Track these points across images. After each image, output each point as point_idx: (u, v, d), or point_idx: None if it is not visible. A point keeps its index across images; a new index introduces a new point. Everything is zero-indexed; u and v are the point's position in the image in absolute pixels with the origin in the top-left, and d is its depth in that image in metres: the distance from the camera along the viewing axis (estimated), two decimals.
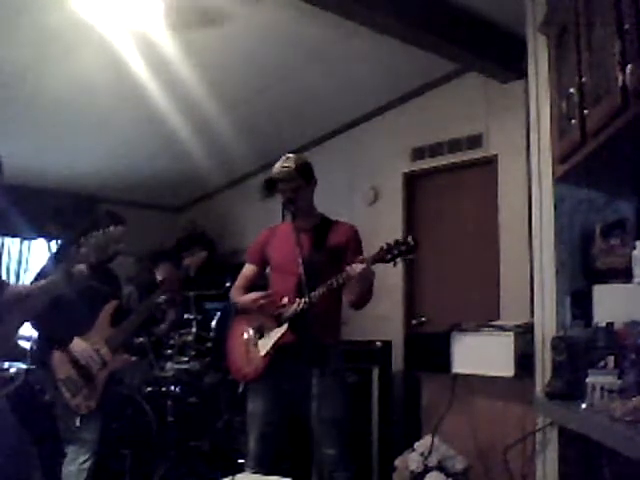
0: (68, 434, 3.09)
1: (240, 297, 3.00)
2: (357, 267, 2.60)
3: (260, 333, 2.86)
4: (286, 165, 2.84)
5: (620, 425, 1.65)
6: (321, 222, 2.96)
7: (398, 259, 2.60)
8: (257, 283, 3.07)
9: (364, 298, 2.82)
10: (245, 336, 2.91)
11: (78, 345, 3.13)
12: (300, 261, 2.59)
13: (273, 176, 2.87)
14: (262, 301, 2.82)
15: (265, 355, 2.80)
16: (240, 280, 3.07)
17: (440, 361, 3.47)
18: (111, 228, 3.25)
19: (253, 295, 2.88)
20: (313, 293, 2.63)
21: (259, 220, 3.13)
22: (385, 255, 2.58)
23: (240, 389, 4.27)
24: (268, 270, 3.09)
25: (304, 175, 2.86)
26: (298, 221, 2.82)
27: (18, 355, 4.05)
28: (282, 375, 2.78)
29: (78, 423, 3.03)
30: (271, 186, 2.86)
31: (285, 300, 2.78)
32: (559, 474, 2.50)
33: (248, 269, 3.06)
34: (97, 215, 3.39)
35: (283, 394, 2.80)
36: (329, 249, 2.85)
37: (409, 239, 2.60)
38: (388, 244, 2.60)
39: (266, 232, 3.07)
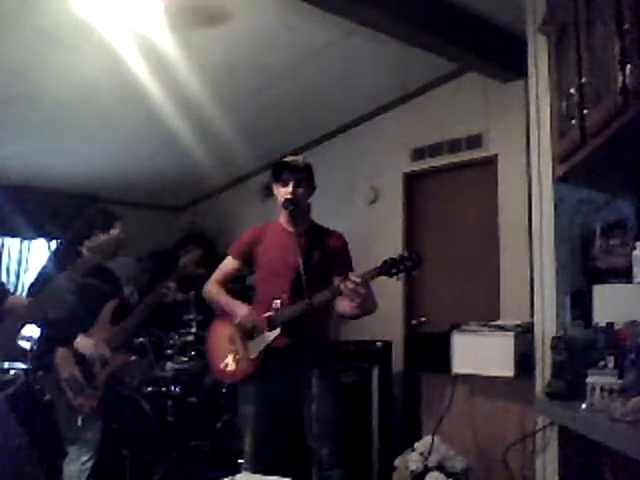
0: (69, 434, 3.09)
1: (222, 296, 2.90)
2: (349, 284, 2.52)
3: (249, 334, 2.79)
4: (295, 158, 2.89)
5: (620, 425, 1.65)
6: (313, 227, 2.93)
7: (401, 274, 2.55)
8: (234, 279, 3.01)
9: (363, 312, 2.74)
10: (232, 336, 2.84)
11: (83, 342, 3.12)
12: (300, 262, 2.58)
13: (283, 160, 2.85)
14: (250, 324, 2.75)
15: (255, 358, 2.75)
16: (218, 274, 2.96)
17: (440, 361, 3.47)
18: (114, 228, 3.26)
19: (245, 311, 2.79)
20: (316, 296, 2.58)
21: (259, 220, 3.11)
22: (389, 269, 2.53)
23: (224, 389, 4.25)
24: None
25: (309, 172, 2.86)
26: (295, 223, 2.80)
27: (18, 355, 4.05)
28: (274, 377, 2.74)
29: (80, 422, 3.02)
30: (278, 172, 2.83)
31: (277, 303, 2.72)
32: (559, 474, 2.50)
33: (230, 263, 2.95)
34: (90, 215, 3.36)
35: (276, 396, 2.75)
36: (325, 254, 2.82)
37: (414, 255, 2.55)
38: (392, 258, 2.54)
39: (255, 230, 2.97)
